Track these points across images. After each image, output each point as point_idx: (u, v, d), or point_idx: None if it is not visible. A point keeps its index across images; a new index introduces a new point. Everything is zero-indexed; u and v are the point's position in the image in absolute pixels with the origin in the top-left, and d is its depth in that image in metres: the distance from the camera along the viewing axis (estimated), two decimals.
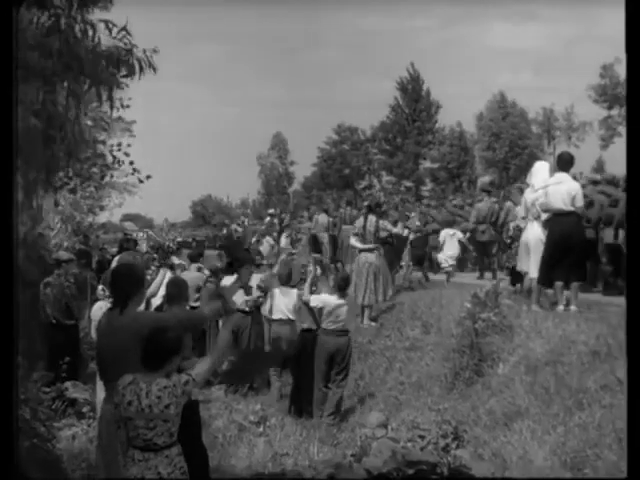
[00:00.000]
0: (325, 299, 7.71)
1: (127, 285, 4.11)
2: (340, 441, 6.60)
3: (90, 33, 3.99)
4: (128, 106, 9.03)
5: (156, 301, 8.14)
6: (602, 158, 42.05)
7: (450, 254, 12.29)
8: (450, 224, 13.03)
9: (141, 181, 11.48)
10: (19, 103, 3.26)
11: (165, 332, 3.62)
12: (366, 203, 11.09)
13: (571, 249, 7.37)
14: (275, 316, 8.21)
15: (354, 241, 10.32)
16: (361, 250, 10.15)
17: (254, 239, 16.96)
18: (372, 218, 10.03)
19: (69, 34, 3.87)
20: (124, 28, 4.07)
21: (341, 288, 7.75)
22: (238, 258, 8.72)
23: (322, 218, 16.41)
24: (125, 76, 4.26)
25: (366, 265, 9.99)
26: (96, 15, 4.17)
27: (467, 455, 4.67)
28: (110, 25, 4.04)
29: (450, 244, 12.35)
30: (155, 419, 3.42)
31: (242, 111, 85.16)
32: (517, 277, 9.18)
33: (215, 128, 78.25)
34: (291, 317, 8.20)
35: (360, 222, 10.20)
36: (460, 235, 12.53)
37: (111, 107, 4.48)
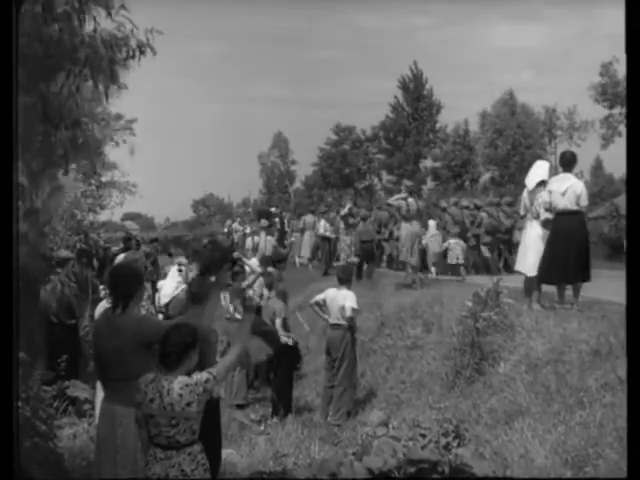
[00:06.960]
0: (328, 292, 7.74)
1: (127, 285, 4.02)
2: (341, 440, 6.60)
3: (87, 17, 3.92)
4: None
5: (164, 299, 8.17)
6: (600, 157, 42.14)
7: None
8: None
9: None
10: (19, 93, 3.22)
11: (178, 329, 3.58)
12: (409, 183, 13.26)
13: (575, 248, 7.33)
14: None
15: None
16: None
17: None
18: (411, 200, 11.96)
19: (64, 23, 3.82)
20: (122, 6, 3.98)
21: (342, 281, 7.77)
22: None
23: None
24: (125, 59, 4.19)
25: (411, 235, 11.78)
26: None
27: (468, 454, 4.67)
28: (109, 4, 3.95)
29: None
30: (177, 417, 3.39)
31: (243, 110, 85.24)
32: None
33: (216, 127, 78.40)
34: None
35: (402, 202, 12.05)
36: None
37: (106, 95, 4.39)
